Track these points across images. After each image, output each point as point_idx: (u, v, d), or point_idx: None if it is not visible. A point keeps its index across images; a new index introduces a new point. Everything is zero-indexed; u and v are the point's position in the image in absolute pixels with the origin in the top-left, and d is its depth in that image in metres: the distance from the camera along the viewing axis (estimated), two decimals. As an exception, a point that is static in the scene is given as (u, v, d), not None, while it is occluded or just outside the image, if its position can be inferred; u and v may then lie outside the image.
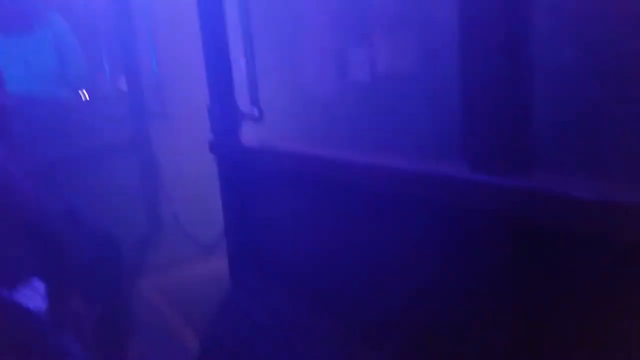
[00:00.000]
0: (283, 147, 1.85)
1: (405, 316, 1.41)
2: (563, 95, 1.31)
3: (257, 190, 2.03)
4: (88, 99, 3.21)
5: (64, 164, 2.83)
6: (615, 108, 1.11)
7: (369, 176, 1.42)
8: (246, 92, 2.05)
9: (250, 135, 2.05)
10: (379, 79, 2.21)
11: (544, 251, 1.03)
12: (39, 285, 1.55)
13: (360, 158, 1.45)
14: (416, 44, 1.80)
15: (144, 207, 3.22)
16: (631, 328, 0.91)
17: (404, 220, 1.37)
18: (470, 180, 1.09)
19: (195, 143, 2.90)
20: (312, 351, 1.73)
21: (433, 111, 1.54)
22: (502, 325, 1.12)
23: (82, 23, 3.40)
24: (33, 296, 1.51)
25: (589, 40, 1.17)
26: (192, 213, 3.04)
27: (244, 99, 2.08)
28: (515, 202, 1.03)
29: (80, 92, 3.19)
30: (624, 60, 1.09)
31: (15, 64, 2.85)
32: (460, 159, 1.17)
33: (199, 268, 2.97)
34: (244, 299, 2.26)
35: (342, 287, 1.69)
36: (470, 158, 1.13)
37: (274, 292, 2.09)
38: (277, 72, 2.48)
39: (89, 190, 2.80)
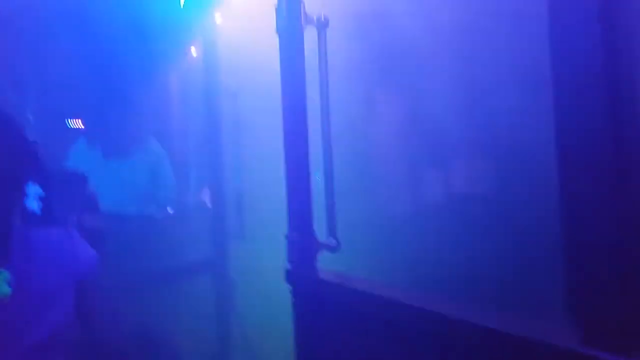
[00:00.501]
0: (357, 285, 1.82)
1: None
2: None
3: (330, 323, 1.98)
4: (172, 213, 3.34)
5: (146, 278, 2.91)
6: None
7: (440, 326, 1.36)
8: (324, 221, 2.07)
9: (326, 266, 2.04)
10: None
11: None
12: None
13: (437, 305, 1.40)
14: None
15: (215, 327, 3.22)
16: None
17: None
18: (576, 353, 0.97)
19: (271, 268, 2.94)
20: None
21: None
22: None
23: (175, 144, 3.63)
24: None
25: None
26: (263, 338, 3.00)
27: (321, 229, 2.10)
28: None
29: (167, 209, 3.34)
30: None
31: (111, 185, 3.04)
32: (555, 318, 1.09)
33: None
34: None
35: None
36: (577, 323, 1.01)
37: None
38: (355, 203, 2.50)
39: (165, 306, 2.84)
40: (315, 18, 2.03)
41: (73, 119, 3.63)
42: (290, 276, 2.09)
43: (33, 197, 1.53)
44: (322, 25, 2.02)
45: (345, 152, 2.28)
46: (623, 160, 0.95)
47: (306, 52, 2.04)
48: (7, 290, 1.34)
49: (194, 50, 3.71)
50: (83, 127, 3.52)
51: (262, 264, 2.94)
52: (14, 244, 1.39)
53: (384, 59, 2.37)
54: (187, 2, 3.33)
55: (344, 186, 2.16)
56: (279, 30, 2.10)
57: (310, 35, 2.03)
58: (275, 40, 2.11)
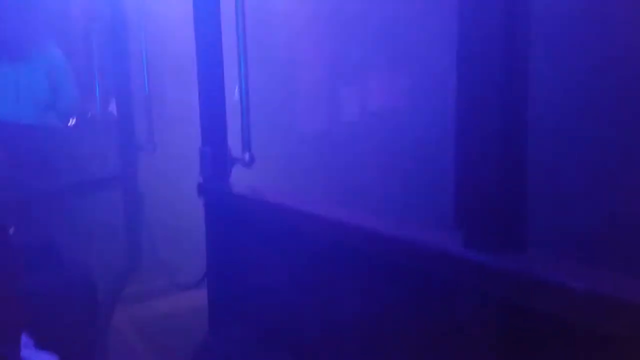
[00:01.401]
0: (270, 198, 1.83)
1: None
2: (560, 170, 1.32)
3: (241, 236, 2.00)
4: (74, 124, 3.16)
5: (48, 194, 2.78)
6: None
7: (352, 236, 1.40)
8: (239, 135, 2.04)
9: (239, 180, 2.03)
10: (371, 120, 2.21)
11: (530, 336, 1.01)
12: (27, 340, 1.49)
13: (343, 215, 1.43)
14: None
15: (125, 240, 3.16)
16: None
17: (384, 284, 1.35)
18: (461, 257, 1.08)
19: (182, 180, 2.88)
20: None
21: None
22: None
23: (76, 48, 3.36)
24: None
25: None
26: (174, 251, 2.99)
27: (236, 143, 2.07)
28: (505, 284, 1.02)
29: (69, 120, 3.14)
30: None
31: (6, 91, 2.81)
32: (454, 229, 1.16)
33: (176, 306, 2.91)
34: (220, 345, 2.21)
35: (318, 342, 1.65)
36: (464, 231, 1.12)
37: (251, 340, 2.05)
38: (270, 116, 2.48)
39: (71, 221, 2.74)
40: None
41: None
42: (202, 190, 2.07)
43: None
44: None
45: (263, 63, 2.22)
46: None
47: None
48: None
49: None
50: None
51: (172, 177, 2.88)
52: None
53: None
54: None
55: (261, 100, 2.12)
56: None
57: None
58: None
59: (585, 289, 0.89)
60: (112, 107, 3.44)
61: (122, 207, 3.22)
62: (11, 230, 1.49)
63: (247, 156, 2.03)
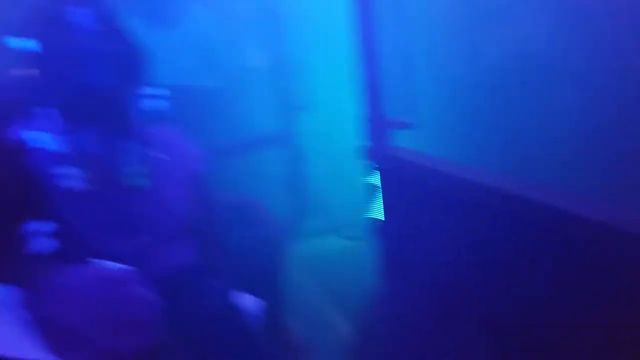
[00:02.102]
0: (434, 164, 1.77)
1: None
2: None
3: (407, 200, 1.97)
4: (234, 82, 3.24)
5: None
6: None
7: (538, 215, 1.31)
8: (399, 98, 1.99)
9: (402, 143, 1.99)
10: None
11: None
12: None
13: (527, 192, 1.34)
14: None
15: (291, 198, 3.27)
16: None
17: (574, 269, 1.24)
18: None
19: (342, 139, 2.90)
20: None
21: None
22: None
23: (225, 8, 3.37)
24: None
25: None
26: (337, 206, 3.05)
27: (396, 105, 2.02)
28: None
29: (227, 81, 3.19)
30: None
31: (161, 56, 2.89)
32: None
33: (344, 258, 2.99)
34: (386, 295, 2.24)
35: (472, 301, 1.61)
36: None
37: (414, 293, 2.06)
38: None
39: (240, 179, 2.88)
40: None
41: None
42: (365, 152, 2.06)
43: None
44: None
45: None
46: None
47: None
48: (146, 182, 1.40)
49: None
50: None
51: (331, 137, 2.91)
52: (147, 140, 1.42)
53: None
54: None
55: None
56: None
57: None
58: None
59: None
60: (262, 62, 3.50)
61: (286, 163, 3.31)
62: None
63: (408, 118, 1.98)
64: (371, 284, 2.40)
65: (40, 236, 1.04)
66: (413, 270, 2.05)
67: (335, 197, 3.06)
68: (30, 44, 1.29)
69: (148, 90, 1.45)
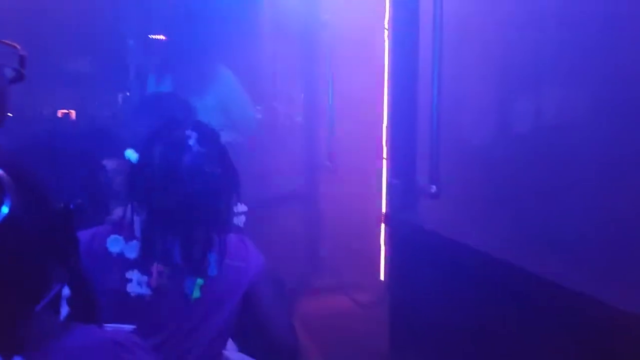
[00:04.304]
0: (457, 236, 1.81)
1: None
2: None
3: (428, 269, 2.00)
4: (257, 140, 3.28)
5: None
6: None
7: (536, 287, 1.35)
8: (426, 166, 2.03)
9: (427, 213, 2.03)
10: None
11: None
12: None
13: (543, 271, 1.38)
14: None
15: (305, 254, 3.30)
16: None
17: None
18: None
19: (359, 201, 2.95)
20: None
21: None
22: None
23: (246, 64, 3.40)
24: None
25: None
26: (351, 268, 3.07)
27: (422, 174, 2.07)
28: None
29: (249, 137, 3.19)
30: None
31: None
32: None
33: (352, 321, 2.98)
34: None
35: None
36: None
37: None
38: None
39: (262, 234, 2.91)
40: None
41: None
42: (388, 220, 2.11)
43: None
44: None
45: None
46: None
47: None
48: (197, 294, 1.40)
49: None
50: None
51: (351, 198, 2.95)
52: (212, 252, 1.42)
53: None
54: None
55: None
56: None
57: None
58: None
59: None
60: (295, 120, 3.58)
61: (303, 220, 3.36)
62: None
63: (433, 188, 2.03)
64: (377, 347, 2.40)
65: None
66: (423, 338, 2.06)
67: (348, 258, 3.09)
68: (137, 156, 1.40)
69: (235, 207, 1.47)
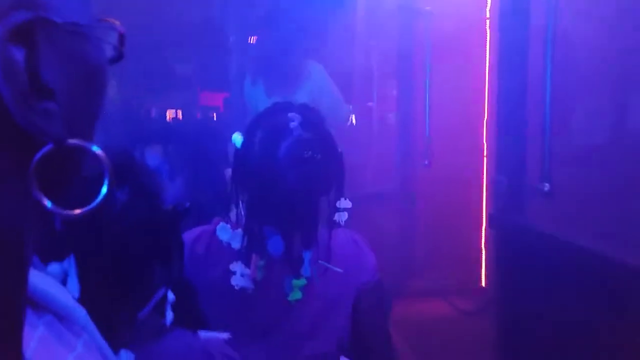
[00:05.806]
0: (569, 238, 1.66)
1: None
2: None
3: (540, 274, 1.86)
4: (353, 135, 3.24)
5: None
6: None
7: None
8: (536, 163, 1.90)
9: (538, 214, 1.89)
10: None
11: None
12: None
13: None
14: None
15: (401, 255, 3.21)
16: None
17: None
18: None
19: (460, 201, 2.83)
20: None
21: None
22: None
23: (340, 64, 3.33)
24: None
25: None
26: (449, 272, 2.95)
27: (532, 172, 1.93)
28: None
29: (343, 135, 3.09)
30: None
31: None
32: None
33: (452, 328, 2.86)
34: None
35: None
36: None
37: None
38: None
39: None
40: None
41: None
42: (494, 222, 1.98)
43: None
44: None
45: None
46: None
47: None
48: (298, 295, 1.30)
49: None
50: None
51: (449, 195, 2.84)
52: (309, 249, 1.31)
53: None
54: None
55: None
56: None
57: None
58: None
59: None
60: (390, 117, 3.50)
61: (399, 220, 3.27)
62: None
63: (546, 186, 1.89)
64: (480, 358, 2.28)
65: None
66: (533, 352, 1.92)
67: (446, 260, 2.96)
68: (241, 139, 1.32)
69: (337, 202, 1.32)
